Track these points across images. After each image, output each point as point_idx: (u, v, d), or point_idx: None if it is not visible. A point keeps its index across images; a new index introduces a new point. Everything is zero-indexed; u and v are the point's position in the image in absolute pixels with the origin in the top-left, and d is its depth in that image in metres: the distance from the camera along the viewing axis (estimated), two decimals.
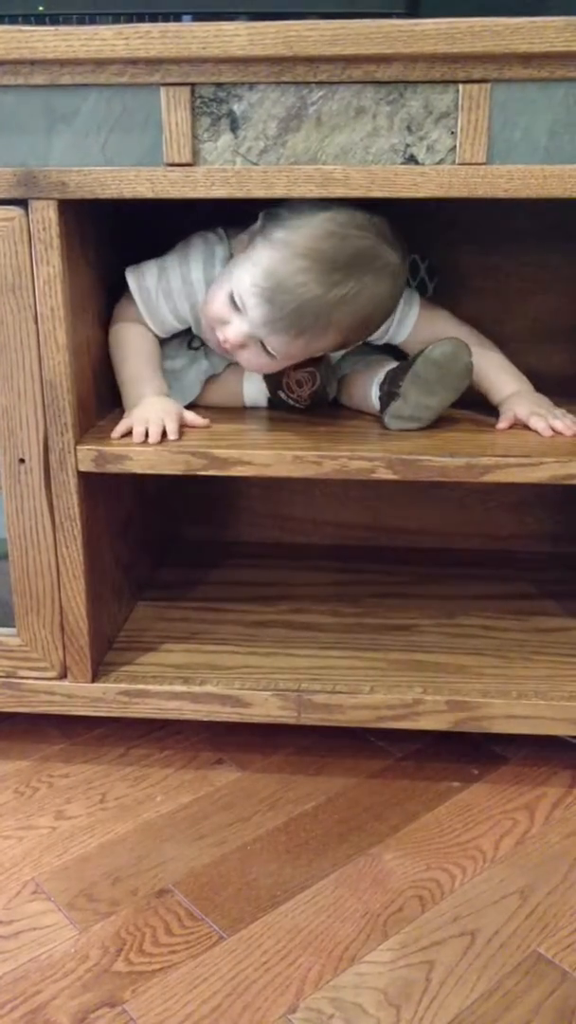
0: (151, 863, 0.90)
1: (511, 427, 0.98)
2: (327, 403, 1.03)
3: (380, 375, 0.99)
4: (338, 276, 0.86)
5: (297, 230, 0.86)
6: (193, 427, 0.96)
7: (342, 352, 1.02)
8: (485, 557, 1.31)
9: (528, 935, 0.82)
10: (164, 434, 0.93)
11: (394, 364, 0.99)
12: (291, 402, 1.03)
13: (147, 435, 0.92)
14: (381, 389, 0.98)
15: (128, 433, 0.94)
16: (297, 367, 1.00)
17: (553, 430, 0.95)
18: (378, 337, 1.02)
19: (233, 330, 0.92)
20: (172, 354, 1.05)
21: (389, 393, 0.96)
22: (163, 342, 1.03)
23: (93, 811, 0.97)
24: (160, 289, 0.97)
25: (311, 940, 0.82)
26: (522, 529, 1.33)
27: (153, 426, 0.93)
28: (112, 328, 1.01)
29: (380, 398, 0.98)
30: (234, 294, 0.90)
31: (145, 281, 0.98)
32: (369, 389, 1.01)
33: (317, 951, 0.81)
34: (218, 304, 0.92)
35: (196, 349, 1.05)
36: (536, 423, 0.96)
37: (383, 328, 1.00)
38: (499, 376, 1.01)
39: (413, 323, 1.02)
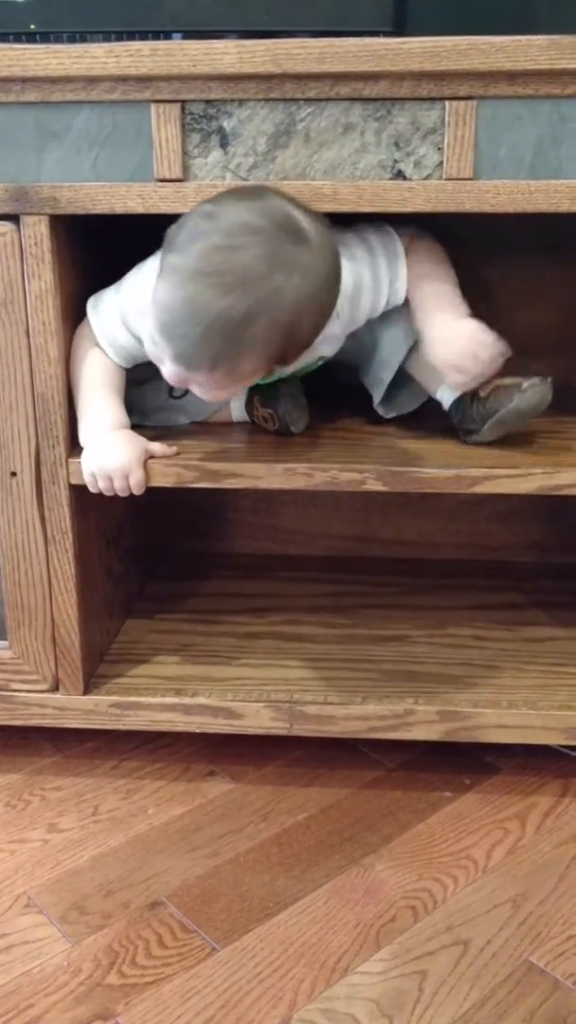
0: (143, 875, 0.90)
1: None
2: (292, 434, 1.00)
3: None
4: (237, 291, 0.76)
5: (184, 252, 0.78)
6: (163, 457, 0.93)
7: (314, 363, 0.99)
8: (475, 567, 1.32)
9: (520, 944, 0.82)
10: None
11: None
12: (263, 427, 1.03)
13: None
14: (453, 416, 0.98)
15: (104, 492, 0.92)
16: (261, 404, 0.99)
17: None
18: (371, 312, 0.95)
19: (166, 371, 0.84)
20: (157, 397, 1.02)
21: (467, 430, 0.97)
22: (145, 391, 1.01)
23: (85, 824, 0.97)
24: (117, 314, 0.91)
25: (304, 951, 0.82)
26: (512, 539, 1.33)
27: (118, 481, 0.90)
28: (72, 349, 0.93)
29: (453, 419, 0.99)
30: (152, 336, 0.84)
31: (101, 307, 0.92)
32: (435, 388, 1.00)
33: (310, 962, 0.81)
34: (150, 347, 0.87)
35: (178, 398, 1.01)
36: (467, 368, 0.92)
37: (371, 301, 0.93)
38: (431, 308, 0.94)
39: (405, 286, 0.94)
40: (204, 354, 0.79)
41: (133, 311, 0.90)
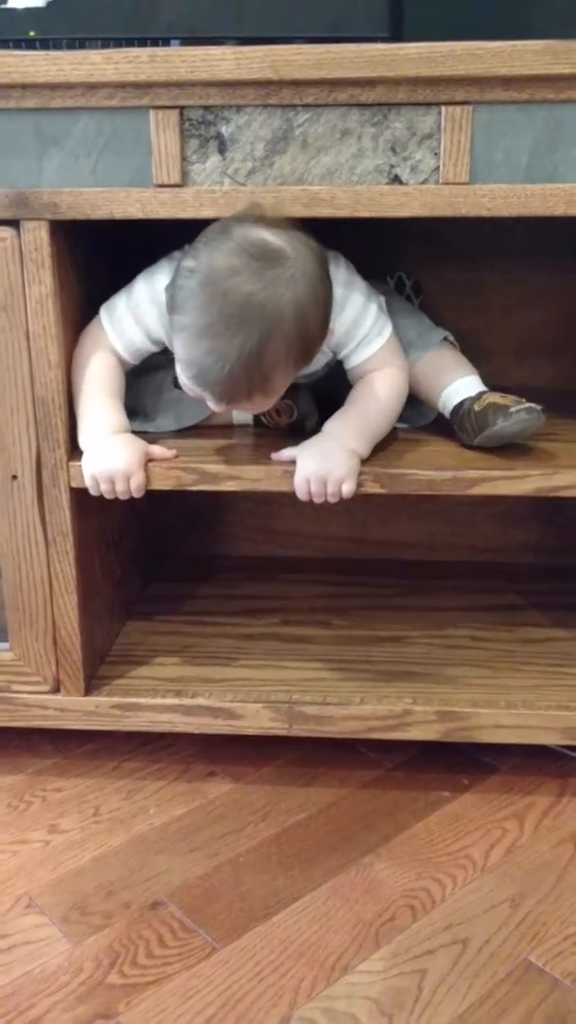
0: (144, 876, 0.91)
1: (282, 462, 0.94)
2: (306, 432, 0.99)
3: (450, 392, 1.00)
4: (243, 328, 0.82)
5: (185, 311, 0.84)
6: (163, 459, 0.94)
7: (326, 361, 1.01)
8: (473, 568, 1.32)
9: (519, 943, 0.83)
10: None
11: (458, 379, 1.00)
12: (271, 426, 1.03)
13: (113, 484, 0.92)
14: (453, 419, 1.00)
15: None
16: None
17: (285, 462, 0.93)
18: (336, 348, 0.98)
19: (212, 406, 0.90)
20: (161, 389, 1.03)
21: (464, 436, 0.98)
22: (148, 379, 1.02)
23: (86, 825, 0.98)
24: (130, 312, 0.95)
25: (303, 950, 0.82)
26: (509, 540, 1.34)
27: (119, 484, 0.91)
28: (75, 354, 0.96)
29: (453, 423, 1.00)
30: (188, 386, 0.90)
31: (116, 309, 0.96)
32: (436, 397, 1.02)
33: (309, 961, 0.81)
34: (189, 391, 0.91)
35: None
36: (295, 478, 0.92)
37: (344, 330, 0.96)
38: (345, 410, 0.97)
39: (368, 355, 0.98)
40: (239, 389, 0.86)
41: (144, 302, 0.94)
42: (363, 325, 0.96)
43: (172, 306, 0.87)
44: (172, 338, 0.89)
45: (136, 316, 0.94)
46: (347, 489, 0.91)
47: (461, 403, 0.99)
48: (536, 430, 0.94)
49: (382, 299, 1.01)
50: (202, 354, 0.84)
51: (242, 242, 0.83)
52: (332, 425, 0.95)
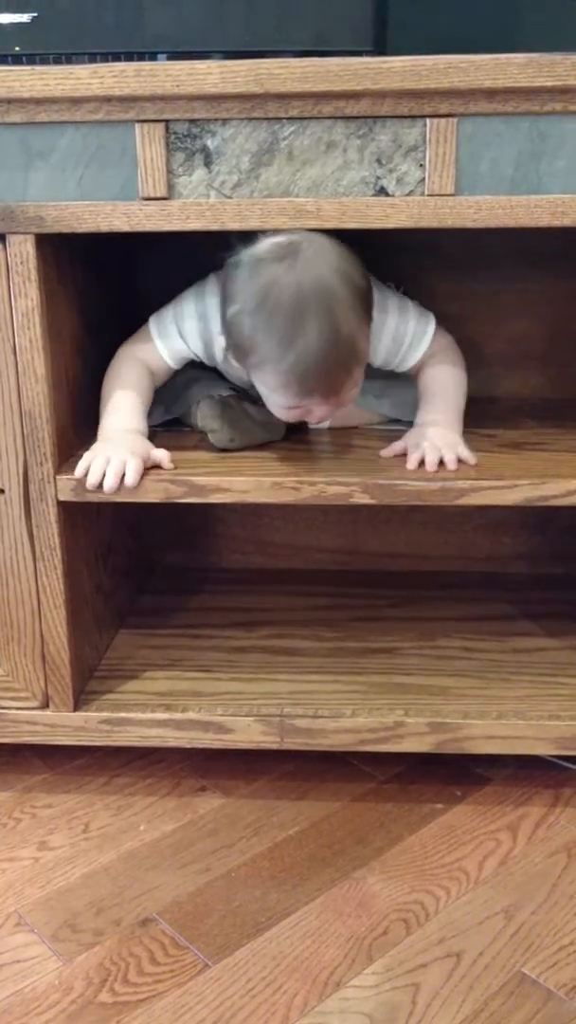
0: (135, 892, 0.90)
1: (395, 455, 0.98)
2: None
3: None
4: (309, 320, 0.87)
5: (257, 345, 0.89)
6: (159, 466, 0.95)
7: None
8: (464, 579, 1.32)
9: (513, 955, 0.82)
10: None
11: None
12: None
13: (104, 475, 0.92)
14: None
15: (94, 473, 0.92)
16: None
17: (422, 463, 0.95)
18: (383, 364, 1.04)
19: (318, 414, 0.96)
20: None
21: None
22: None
23: (76, 841, 0.97)
24: (175, 323, 1.01)
25: (296, 966, 0.82)
26: (500, 550, 1.34)
27: (115, 463, 0.91)
28: (113, 360, 1.02)
29: None
30: (292, 404, 0.94)
31: (163, 319, 1.02)
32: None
33: (302, 977, 0.80)
34: (285, 412, 0.96)
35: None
36: (410, 454, 0.96)
37: (385, 353, 1.03)
38: (429, 401, 1.02)
39: (418, 357, 1.03)
40: (338, 371, 0.90)
41: (191, 316, 1.00)
42: (406, 334, 1.02)
43: (243, 353, 0.92)
44: (254, 380, 0.95)
45: (179, 326, 1.00)
46: (465, 452, 0.95)
47: None
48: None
49: (428, 313, 1.05)
50: (293, 365, 0.88)
51: (261, 255, 0.88)
52: (424, 416, 1.00)
